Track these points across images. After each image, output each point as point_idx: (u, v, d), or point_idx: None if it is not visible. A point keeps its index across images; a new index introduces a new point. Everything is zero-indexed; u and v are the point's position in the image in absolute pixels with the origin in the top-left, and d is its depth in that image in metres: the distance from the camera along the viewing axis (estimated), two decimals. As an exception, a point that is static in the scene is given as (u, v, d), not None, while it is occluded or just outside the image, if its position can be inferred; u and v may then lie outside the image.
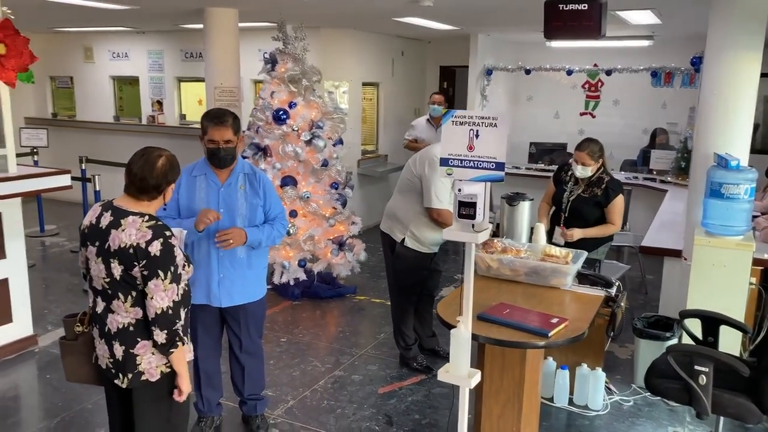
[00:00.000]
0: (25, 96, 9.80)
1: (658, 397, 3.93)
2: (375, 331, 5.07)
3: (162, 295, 2.31)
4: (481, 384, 3.22)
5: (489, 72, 8.38)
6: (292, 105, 5.40)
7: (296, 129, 5.36)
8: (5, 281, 4.37)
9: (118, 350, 2.39)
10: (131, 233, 2.28)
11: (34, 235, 7.69)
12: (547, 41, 8.33)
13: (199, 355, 3.36)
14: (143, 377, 2.40)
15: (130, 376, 2.40)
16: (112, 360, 2.42)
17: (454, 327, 2.71)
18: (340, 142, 5.67)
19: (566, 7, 4.28)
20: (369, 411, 3.81)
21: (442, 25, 7.02)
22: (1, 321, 4.38)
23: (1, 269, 4.35)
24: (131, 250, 2.27)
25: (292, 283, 5.50)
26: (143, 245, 2.27)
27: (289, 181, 5.39)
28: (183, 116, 9.02)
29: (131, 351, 2.38)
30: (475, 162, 2.61)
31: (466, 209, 2.62)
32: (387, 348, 4.67)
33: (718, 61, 4.03)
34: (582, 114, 8.95)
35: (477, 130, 2.60)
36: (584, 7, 4.23)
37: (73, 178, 4.72)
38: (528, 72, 8.31)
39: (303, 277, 5.54)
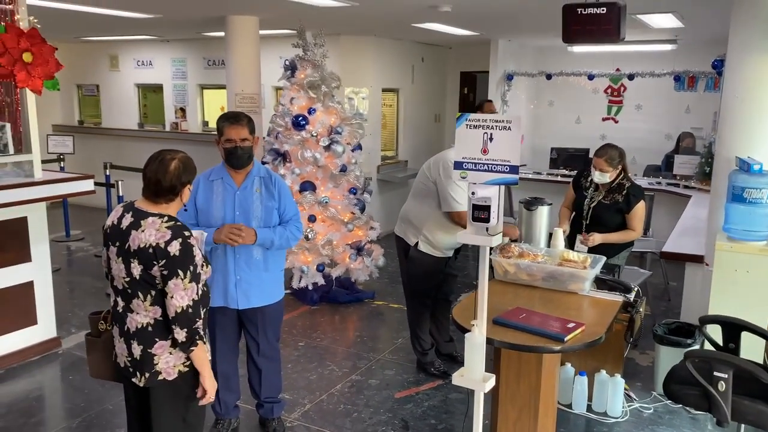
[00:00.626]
0: (53, 104, 10.04)
1: (679, 405, 3.88)
2: (393, 336, 5.07)
3: (182, 294, 2.35)
4: (497, 389, 3.21)
5: (510, 77, 8.36)
6: (311, 111, 5.45)
7: (315, 134, 5.40)
8: (30, 284, 4.47)
9: (137, 349, 2.43)
10: (151, 233, 2.33)
11: (60, 240, 7.85)
12: (569, 46, 8.32)
13: (216, 358, 3.39)
14: (160, 377, 2.44)
15: (147, 375, 2.43)
16: (130, 359, 2.46)
17: (469, 331, 2.71)
18: (359, 147, 5.70)
19: (585, 11, 4.26)
20: (385, 415, 3.80)
21: (461, 31, 7.03)
22: (26, 323, 4.47)
23: (26, 272, 4.44)
24: (150, 250, 2.32)
25: (310, 287, 5.53)
26: (162, 245, 2.31)
27: (308, 186, 5.43)
28: (206, 123, 9.15)
29: (149, 351, 2.42)
30: (489, 165, 2.60)
31: (481, 212, 2.62)
32: (404, 353, 4.67)
33: (740, 64, 3.98)
34: (604, 119, 8.88)
35: (491, 134, 2.60)
36: (603, 10, 4.20)
37: (97, 184, 4.82)
38: (549, 77, 8.28)
39: (321, 281, 5.56)
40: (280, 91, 5.98)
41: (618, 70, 7.97)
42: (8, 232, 4.28)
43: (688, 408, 3.86)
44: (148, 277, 2.35)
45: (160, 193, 2.41)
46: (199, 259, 2.42)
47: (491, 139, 2.61)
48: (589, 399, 3.89)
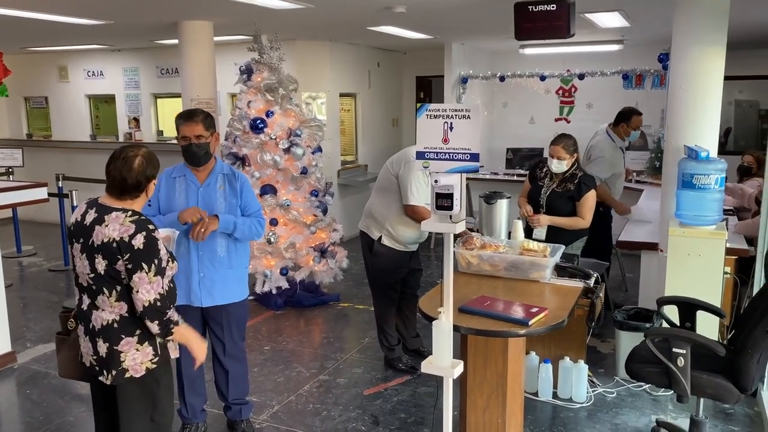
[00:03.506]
0: (-1, 117, 9.75)
1: (641, 388, 4.00)
2: (359, 336, 5.07)
3: (147, 288, 2.32)
4: (465, 378, 3.25)
5: (464, 80, 8.49)
6: (269, 114, 5.43)
7: (274, 137, 5.38)
8: (-18, 297, 4.32)
9: (102, 347, 2.38)
10: (115, 228, 2.30)
11: (11, 256, 7.59)
12: (521, 49, 8.51)
13: (182, 360, 3.34)
14: (127, 374, 2.40)
15: (114, 372, 2.39)
16: (95, 357, 2.42)
17: (436, 319, 2.74)
18: (319, 149, 5.70)
19: (536, 8, 4.38)
20: (355, 412, 3.80)
21: (416, 34, 7.11)
22: (-21, 338, 4.32)
23: (-23, 285, 4.29)
24: (114, 245, 2.29)
25: (274, 292, 5.48)
26: (126, 239, 2.29)
27: (268, 189, 5.40)
28: (160, 132, 9.00)
29: (115, 348, 2.37)
30: (451, 154, 2.65)
31: (444, 200, 2.66)
32: (372, 351, 4.68)
33: (685, 57, 4.14)
34: (557, 120, 9.09)
35: (451, 123, 2.65)
36: (553, 7, 4.33)
37: (50, 194, 4.69)
38: (502, 79, 8.44)
39: (285, 285, 5.53)
40: (236, 97, 5.95)
41: (568, 71, 8.19)
42: (-43, 244, 4.13)
43: (649, 391, 3.98)
44: (113, 272, 2.32)
45: (125, 191, 2.38)
46: (164, 253, 2.39)
47: (451, 128, 2.66)
48: (555, 386, 3.97)
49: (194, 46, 5.97)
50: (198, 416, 3.46)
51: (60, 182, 7.08)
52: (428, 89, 9.93)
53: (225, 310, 3.26)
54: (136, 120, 9.00)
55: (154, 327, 2.35)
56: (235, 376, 3.41)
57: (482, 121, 9.08)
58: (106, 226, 2.31)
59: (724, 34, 4.06)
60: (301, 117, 5.59)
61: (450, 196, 2.65)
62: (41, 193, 4.42)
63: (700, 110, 4.11)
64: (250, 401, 3.59)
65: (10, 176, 7.71)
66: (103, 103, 9.46)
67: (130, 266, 2.31)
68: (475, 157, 2.62)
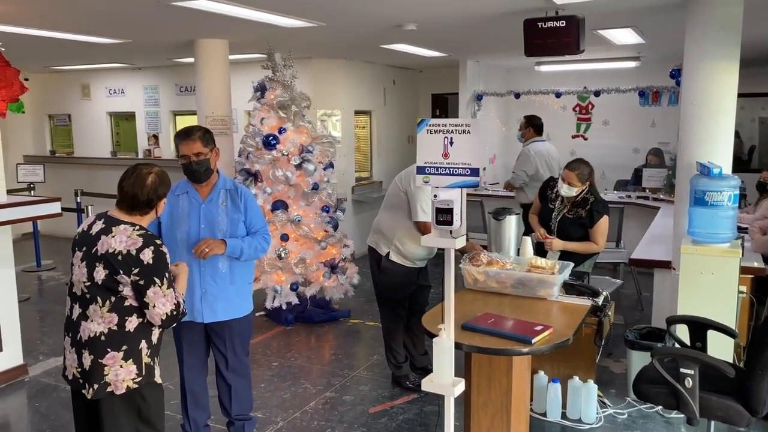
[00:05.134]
0: (24, 135, 9.98)
1: (653, 409, 3.90)
2: (368, 353, 5.04)
3: (163, 301, 2.37)
4: (468, 396, 3.20)
5: (479, 97, 8.48)
6: (281, 131, 5.47)
7: (286, 153, 5.41)
8: (-5, 310, 4.38)
9: (87, 359, 2.39)
10: (121, 240, 2.34)
11: (31, 270, 7.72)
12: (536, 66, 8.50)
13: (185, 375, 3.35)
14: (109, 388, 2.40)
15: (96, 386, 2.39)
16: (80, 369, 2.42)
17: (437, 336, 2.71)
18: (331, 165, 5.72)
19: (545, 24, 4.40)
20: (359, 430, 3.76)
21: (430, 52, 7.14)
22: (-9, 350, 4.37)
23: (-10, 297, 4.36)
24: (120, 257, 2.32)
25: (284, 307, 5.48)
26: (134, 252, 2.32)
27: (279, 205, 5.42)
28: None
29: (100, 361, 2.38)
30: (451, 169, 2.64)
31: (443, 215, 2.64)
32: (380, 369, 4.64)
33: (697, 72, 4.09)
34: (574, 137, 9.03)
35: (451, 138, 2.64)
36: (562, 24, 4.34)
37: (67, 209, 4.76)
38: (518, 96, 8.42)
39: (296, 301, 5.52)
40: (251, 115, 6.01)
41: (585, 88, 8.14)
42: (-28, 257, 4.21)
43: (661, 412, 3.89)
44: (112, 282, 2.34)
45: (136, 207, 2.44)
46: (171, 266, 2.43)
47: (452, 143, 2.65)
48: (564, 406, 3.89)
49: (210, 64, 6.06)
50: (201, 431, 3.45)
51: (78, 197, 7.20)
52: (444, 107, 9.94)
53: (228, 326, 3.26)
54: (155, 137, 9.13)
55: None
56: (238, 391, 3.40)
57: (496, 136, 9.13)
58: (113, 237, 2.35)
59: (737, 48, 4.00)
60: (313, 133, 5.62)
61: (450, 211, 2.63)
62: (55, 207, 4.47)
63: (713, 126, 4.05)
64: (253, 417, 3.57)
65: (32, 191, 7.86)
66: (123, 121, 9.63)
67: (142, 282, 2.34)
68: (475, 171, 2.60)
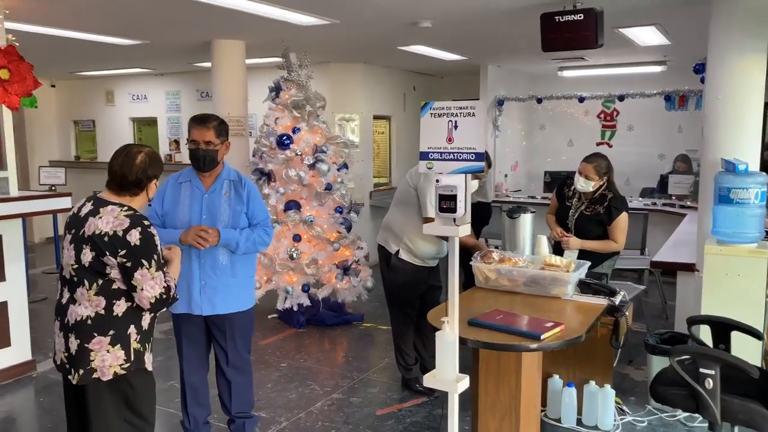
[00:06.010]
0: (49, 141, 10.15)
1: (675, 418, 3.71)
2: (380, 356, 4.91)
3: (151, 284, 2.29)
4: (476, 398, 3.06)
5: (500, 102, 8.36)
6: (295, 130, 5.42)
7: (299, 153, 5.35)
8: (4, 304, 4.35)
9: (73, 344, 2.32)
10: (108, 220, 2.28)
11: (50, 272, 7.78)
12: (560, 71, 8.35)
13: (184, 369, 3.27)
14: (95, 374, 2.32)
15: (81, 372, 2.32)
16: (66, 354, 2.36)
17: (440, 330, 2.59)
18: (345, 166, 5.64)
19: (562, 18, 4.28)
20: (365, 432, 3.64)
21: (449, 55, 7.05)
22: (-1, 344, 4.36)
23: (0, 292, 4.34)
24: (106, 238, 2.26)
25: (296, 308, 5.39)
26: (120, 233, 2.25)
27: (292, 205, 5.35)
28: (199, 154, 9.14)
29: (86, 345, 2.31)
30: (455, 154, 2.53)
31: (447, 202, 2.53)
32: (390, 372, 4.51)
33: (721, 65, 3.93)
34: (599, 144, 8.83)
35: (455, 121, 2.53)
36: (580, 17, 4.22)
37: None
38: (539, 101, 8.28)
39: (307, 302, 5.43)
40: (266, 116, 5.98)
41: (610, 94, 7.95)
42: (-18, 251, 4.21)
43: (684, 421, 3.69)
44: (99, 265, 2.27)
45: (125, 187, 2.37)
46: (161, 248, 2.35)
47: (456, 126, 2.54)
48: (579, 412, 3.71)
49: (226, 65, 6.06)
50: (201, 429, 3.35)
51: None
52: (466, 113, 9.82)
53: (228, 320, 3.17)
54: (177, 142, 9.19)
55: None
56: (238, 388, 3.30)
57: (519, 143, 8.98)
58: (100, 218, 2.29)
59: (764, 41, 3.83)
60: (328, 134, 5.56)
61: (453, 197, 2.51)
62: (65, 202, 4.46)
63: (738, 121, 3.88)
64: (255, 416, 3.46)
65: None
66: (146, 126, 9.72)
67: (129, 264, 2.26)
68: (480, 156, 2.48)
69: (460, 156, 2.52)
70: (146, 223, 2.32)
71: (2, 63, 4.07)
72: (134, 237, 2.25)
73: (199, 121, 3.09)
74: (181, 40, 6.04)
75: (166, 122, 9.25)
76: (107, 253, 2.25)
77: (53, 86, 9.96)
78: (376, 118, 8.22)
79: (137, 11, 4.73)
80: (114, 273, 2.29)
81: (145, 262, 2.26)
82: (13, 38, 4.23)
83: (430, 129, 2.58)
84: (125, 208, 2.33)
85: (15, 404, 4.12)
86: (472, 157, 2.50)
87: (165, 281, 2.33)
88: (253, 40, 6.02)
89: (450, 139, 2.55)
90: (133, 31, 5.60)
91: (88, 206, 2.37)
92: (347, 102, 7.69)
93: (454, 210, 2.51)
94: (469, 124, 2.50)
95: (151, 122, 9.48)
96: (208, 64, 7.37)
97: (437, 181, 2.51)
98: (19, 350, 4.47)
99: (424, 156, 2.60)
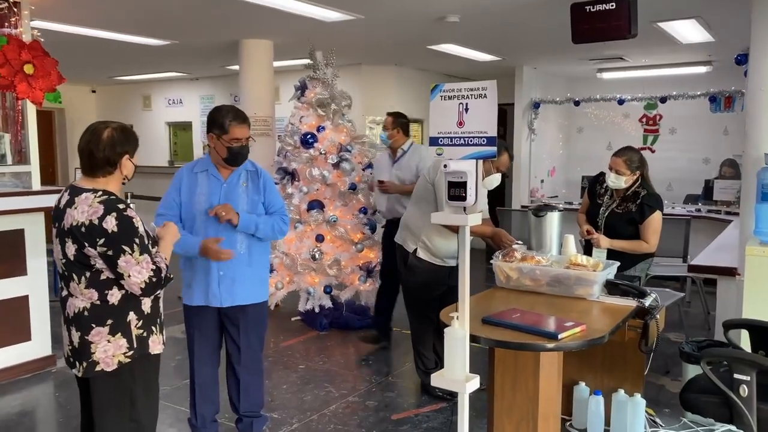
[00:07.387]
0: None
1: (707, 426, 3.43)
2: (401, 360, 4.75)
3: (138, 269, 2.19)
4: (491, 401, 2.89)
5: (536, 105, 8.14)
6: (320, 129, 5.34)
7: (324, 152, 5.26)
8: (25, 298, 4.37)
9: (75, 336, 2.26)
10: (83, 210, 2.17)
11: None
12: (599, 73, 8.09)
13: (194, 363, 3.19)
14: (98, 367, 2.25)
15: (84, 364, 2.25)
16: (71, 347, 2.30)
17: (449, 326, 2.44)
18: (370, 166, 5.53)
19: (593, 8, 4.08)
20: (378, 437, 3.48)
21: (482, 55, 6.89)
22: (19, 339, 4.35)
23: (21, 286, 4.35)
24: (83, 229, 2.15)
25: (317, 310, 5.28)
26: (96, 222, 2.15)
27: (315, 205, 5.26)
28: (232, 158, 9.19)
29: (86, 338, 2.24)
30: (466, 138, 2.39)
31: (456, 189, 2.38)
32: (410, 376, 4.35)
33: (765, 56, 3.67)
34: (641, 149, 8.48)
35: (466, 104, 2.39)
36: (612, 6, 4.01)
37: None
38: (577, 104, 8.03)
39: (329, 304, 5.32)
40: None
41: (652, 97, 7.64)
42: (4, 244, 4.22)
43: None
44: (82, 257, 2.19)
45: (95, 167, 2.25)
46: (143, 231, 2.25)
47: (467, 109, 2.40)
48: (607, 423, 3.47)
49: (253, 64, 6.06)
50: (208, 426, 3.25)
51: (129, 200, 7.31)
52: (503, 117, 9.60)
53: (243, 312, 3.08)
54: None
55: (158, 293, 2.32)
56: (247, 386, 3.20)
57: (556, 147, 8.72)
58: (75, 208, 2.18)
59: (812, 28, 3.57)
60: (353, 133, 5.46)
61: (463, 184, 2.37)
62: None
63: (784, 114, 3.61)
64: (264, 415, 3.35)
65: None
66: (181, 130, 9.83)
67: (110, 252, 2.16)
68: (491, 141, 2.33)
69: (471, 141, 2.37)
70: (121, 207, 2.19)
71: (27, 58, 4.10)
72: (110, 224, 2.14)
73: (241, 119, 3.07)
74: (209, 39, 6.06)
75: (200, 126, 9.33)
76: (86, 244, 2.15)
77: (93, 91, 10.19)
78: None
79: (163, 9, 4.74)
80: (99, 263, 2.20)
81: (126, 248, 2.15)
82: (38, 33, 4.27)
83: (441, 113, 2.45)
84: (99, 193, 2.21)
85: (30, 398, 4.11)
86: (483, 141, 2.36)
87: (154, 263, 2.23)
88: (280, 40, 5.99)
89: (461, 123, 2.41)
90: (160, 31, 5.65)
91: (66, 197, 2.27)
92: (378, 104, 7.59)
93: (464, 198, 2.36)
94: (481, 106, 2.35)
95: (186, 126, 9.59)
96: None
97: (445, 166, 2.36)
98: (39, 345, 4.47)
99: (433, 141, 2.47)
